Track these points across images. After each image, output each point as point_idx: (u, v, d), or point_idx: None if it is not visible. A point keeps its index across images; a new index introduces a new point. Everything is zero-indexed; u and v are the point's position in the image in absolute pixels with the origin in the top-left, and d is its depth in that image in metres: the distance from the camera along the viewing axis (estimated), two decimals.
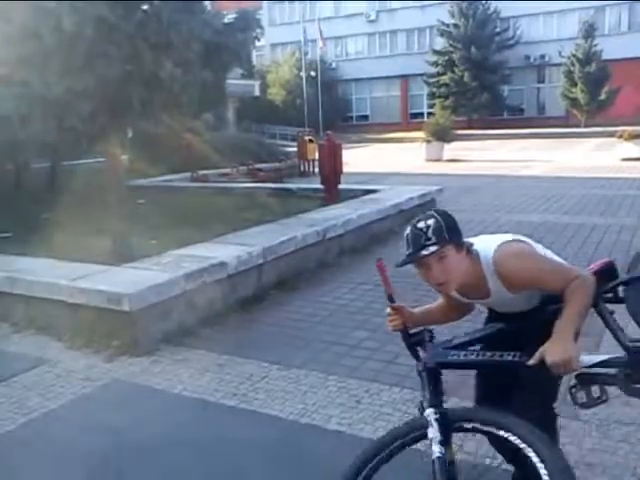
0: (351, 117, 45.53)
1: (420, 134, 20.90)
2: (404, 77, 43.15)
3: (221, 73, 6.36)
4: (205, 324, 4.67)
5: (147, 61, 5.37)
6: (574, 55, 33.32)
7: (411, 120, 40.56)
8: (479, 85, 36.22)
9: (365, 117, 45.41)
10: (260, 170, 13.62)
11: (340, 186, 9.25)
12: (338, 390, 3.56)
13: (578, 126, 32.78)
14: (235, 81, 25.51)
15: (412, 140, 25.85)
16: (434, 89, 38.97)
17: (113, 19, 5.26)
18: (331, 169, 9.15)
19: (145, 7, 6.22)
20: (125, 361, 4.12)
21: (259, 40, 7.86)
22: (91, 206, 7.35)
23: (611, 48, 33.03)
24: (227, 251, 5.27)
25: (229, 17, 6.94)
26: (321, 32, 37.78)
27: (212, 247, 5.50)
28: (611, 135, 18.72)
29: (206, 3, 7.20)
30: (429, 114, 35.80)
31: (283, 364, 3.94)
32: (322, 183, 9.32)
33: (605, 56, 32.44)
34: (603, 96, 32.14)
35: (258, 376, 3.80)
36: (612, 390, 2.00)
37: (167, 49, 5.46)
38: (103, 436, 3.18)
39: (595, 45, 32.73)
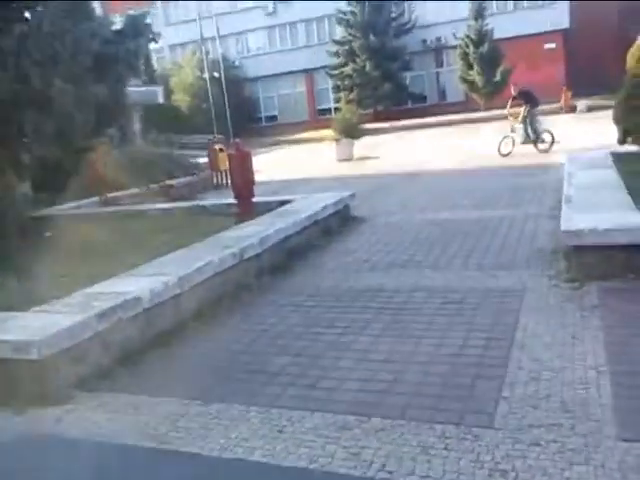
0: (260, 118, 44.72)
1: (329, 132, 21.01)
2: (308, 71, 42.68)
3: (117, 85, 6.11)
4: (122, 364, 4.52)
5: (34, 79, 5.09)
6: (467, 36, 33.88)
7: (319, 117, 40.39)
8: (381, 74, 36.44)
9: (274, 117, 44.66)
10: (172, 187, 13.34)
11: (254, 199, 9.11)
12: (260, 421, 3.55)
13: (478, 110, 33.44)
14: (136, 88, 24.60)
15: (321, 139, 26.00)
16: (338, 82, 38.93)
17: None
18: (243, 181, 8.87)
19: (27, 15, 5.93)
20: (37, 412, 3.93)
21: (156, 42, 7.56)
22: None
23: (501, 28, 33.87)
24: (141, 284, 5.12)
25: (117, 24, 6.69)
26: (218, 29, 36.68)
27: (125, 281, 5.33)
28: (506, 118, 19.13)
29: (95, 4, 6.89)
30: (336, 109, 35.98)
31: (203, 399, 3.88)
32: (235, 197, 9.12)
33: (496, 36, 33.19)
34: (498, 77, 32.68)
35: (178, 414, 3.73)
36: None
37: (54, 64, 5.19)
38: None
39: (486, 24, 33.39)
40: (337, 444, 3.21)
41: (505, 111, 16.55)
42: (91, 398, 4.08)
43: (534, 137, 15.38)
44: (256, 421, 3.55)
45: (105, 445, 3.47)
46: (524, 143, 15.37)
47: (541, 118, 16.00)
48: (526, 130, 15.43)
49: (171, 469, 3.18)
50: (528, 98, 15.84)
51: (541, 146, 15.32)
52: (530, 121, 15.46)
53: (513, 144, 15.25)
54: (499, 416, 3.31)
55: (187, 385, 4.15)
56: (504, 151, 15.21)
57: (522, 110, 15.63)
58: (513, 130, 15.49)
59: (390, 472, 2.92)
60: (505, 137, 15.41)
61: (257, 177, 9.15)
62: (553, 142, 15.12)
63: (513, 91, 16.25)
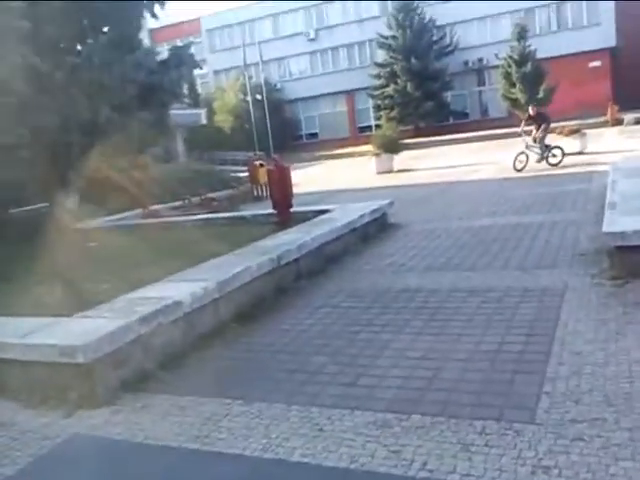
0: (301, 136, 45.94)
1: (369, 147, 21.17)
2: (349, 92, 43.81)
3: (160, 111, 6.34)
4: (164, 366, 4.61)
5: (83, 108, 5.33)
6: (510, 57, 34.29)
7: (360, 134, 41.04)
8: (422, 94, 36.94)
9: (315, 135, 45.81)
10: (213, 199, 13.57)
11: (292, 209, 9.28)
12: (300, 420, 3.57)
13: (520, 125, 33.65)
14: (181, 111, 25.51)
15: (362, 154, 26.20)
16: (379, 101, 39.60)
17: (45, 68, 5.21)
18: (281, 193, 9.16)
19: (79, 48, 6.19)
20: (84, 414, 4.04)
21: (201, 69, 7.87)
22: (40, 254, 7.22)
23: (544, 47, 34.18)
24: (181, 289, 5.23)
25: (162, 51, 6.94)
26: (261, 56, 38.12)
27: (166, 286, 5.45)
28: (554, 131, 19.29)
29: (143, 35, 7.18)
30: (377, 126, 36.30)
31: (245, 399, 3.92)
32: (274, 208, 9.34)
33: (539, 55, 33.48)
34: (541, 94, 33.05)
35: (220, 415, 3.78)
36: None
37: (102, 93, 5.43)
38: None
39: (529, 45, 33.71)
40: (377, 442, 3.20)
41: (519, 129, 16.60)
42: (135, 400, 4.17)
43: (547, 153, 15.62)
44: (296, 420, 3.57)
45: (149, 446, 3.54)
46: (539, 161, 15.61)
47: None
48: (541, 148, 15.71)
49: (214, 471, 3.20)
50: (543, 119, 16.09)
51: (552, 160, 15.48)
52: (541, 138, 15.76)
53: (527, 160, 15.42)
54: (541, 411, 3.26)
55: (228, 385, 4.20)
56: (518, 167, 15.40)
57: (539, 130, 15.83)
58: (528, 147, 15.69)
59: (431, 471, 2.89)
60: (520, 154, 15.60)
61: (298, 189, 9.32)
62: (564, 156, 15.36)
63: (531, 111, 16.44)
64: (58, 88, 5.34)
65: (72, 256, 6.28)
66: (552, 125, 16.71)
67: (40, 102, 5.18)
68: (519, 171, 15.28)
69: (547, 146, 15.81)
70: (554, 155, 15.53)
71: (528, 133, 16.12)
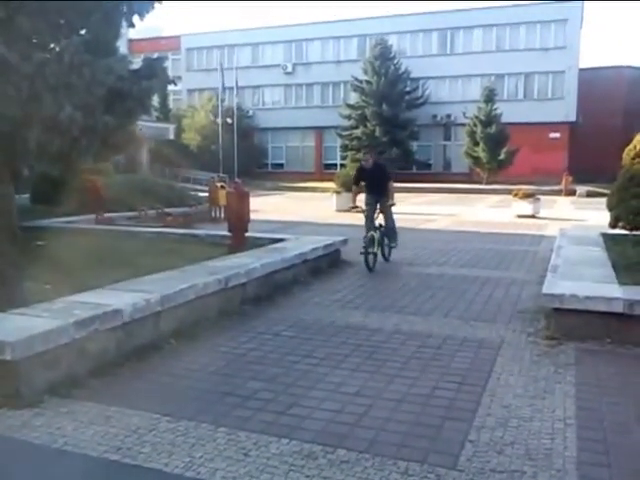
0: (267, 164, 46.18)
1: (332, 185, 21.43)
2: (319, 129, 44.46)
3: (125, 119, 6.31)
4: (96, 374, 4.51)
5: (46, 103, 5.26)
6: (476, 117, 35.65)
7: (324, 170, 41.61)
8: (390, 140, 37.73)
9: (280, 165, 46.16)
10: (169, 214, 13.45)
11: (247, 234, 9.29)
12: (227, 442, 3.53)
13: (480, 183, 34.97)
14: (149, 124, 25.42)
15: (324, 190, 26.50)
16: (347, 141, 40.21)
17: (13, 59, 5.14)
18: (238, 217, 9.17)
19: (51, 46, 6.13)
20: (4, 414, 3.90)
21: (175, 85, 7.89)
22: None
23: (509, 112, 35.67)
24: (123, 298, 5.15)
25: (137, 62, 6.94)
26: (237, 81, 38.48)
27: (108, 294, 5.36)
28: (510, 193, 20.01)
29: (120, 43, 7.18)
30: (342, 165, 36.87)
31: (173, 416, 3.87)
32: (229, 230, 9.33)
33: (504, 119, 34.88)
34: (503, 156, 34.43)
35: (145, 429, 3.71)
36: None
37: (67, 91, 5.38)
38: None
39: (495, 109, 35.16)
40: (300, 472, 3.20)
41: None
42: (60, 404, 4.06)
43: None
44: (223, 442, 3.54)
45: (67, 453, 3.43)
46: None
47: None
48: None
49: None
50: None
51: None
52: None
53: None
54: (463, 458, 3.32)
55: (159, 400, 4.13)
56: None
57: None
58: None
59: None
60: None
61: (256, 216, 9.35)
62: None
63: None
64: (24, 80, 5.25)
65: (17, 253, 6.11)
66: (510, 187, 16.76)
67: (4, 90, 5.10)
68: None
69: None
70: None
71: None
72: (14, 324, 4.39)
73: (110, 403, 4.07)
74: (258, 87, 46.54)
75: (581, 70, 38.80)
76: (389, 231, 9.66)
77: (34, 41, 6.01)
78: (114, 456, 3.39)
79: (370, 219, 9.46)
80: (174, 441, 3.55)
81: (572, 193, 30.18)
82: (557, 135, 38.42)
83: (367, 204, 9.56)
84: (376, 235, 9.16)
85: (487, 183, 34.61)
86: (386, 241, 9.63)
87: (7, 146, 5.69)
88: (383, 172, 9.52)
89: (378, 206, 9.52)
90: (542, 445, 3.46)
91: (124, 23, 6.37)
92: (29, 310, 4.76)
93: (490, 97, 35.46)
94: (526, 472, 3.18)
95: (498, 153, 34.45)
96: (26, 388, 4.11)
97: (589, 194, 29.03)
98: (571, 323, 5.47)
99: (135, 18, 6.33)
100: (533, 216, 17.73)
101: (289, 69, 45.38)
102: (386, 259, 9.61)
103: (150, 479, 3.18)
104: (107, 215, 12.25)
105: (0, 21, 5.30)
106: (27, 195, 11.40)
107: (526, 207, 18.05)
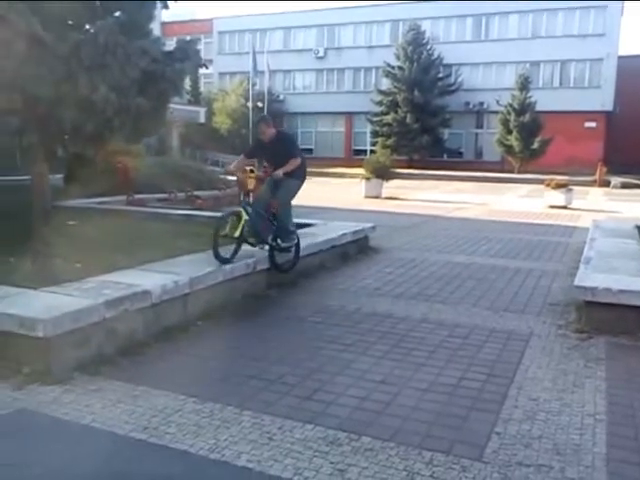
0: None
1: (361, 170, 21.29)
2: (349, 114, 44.22)
3: (158, 101, 6.35)
4: (125, 353, 4.57)
5: (81, 83, 5.31)
6: (510, 105, 35.01)
7: (354, 156, 41.29)
8: (420, 127, 37.36)
9: (310, 150, 45.87)
10: (198, 197, 13.50)
11: None
12: (251, 426, 3.55)
13: (512, 172, 34.40)
14: (180, 106, 25.50)
15: (353, 176, 26.33)
16: (377, 128, 39.96)
17: (49, 39, 5.19)
18: None
19: (87, 27, 6.18)
20: (35, 390, 3.98)
21: (207, 68, 7.90)
22: (15, 225, 7.13)
23: (544, 101, 34.94)
24: (153, 279, 5.20)
25: (170, 45, 6.97)
26: (269, 65, 38.38)
27: (138, 274, 5.41)
28: (542, 183, 19.67)
29: (154, 26, 7.22)
30: (371, 151, 36.61)
31: (199, 397, 3.90)
32: None
33: (538, 107, 34.20)
34: (536, 145, 33.81)
35: (172, 409, 3.74)
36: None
37: (102, 72, 5.42)
38: None
39: (530, 97, 34.47)
40: (324, 458, 3.19)
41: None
42: (89, 382, 4.12)
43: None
44: (248, 425, 3.55)
45: (95, 430, 3.48)
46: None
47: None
48: None
49: (156, 464, 3.16)
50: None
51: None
52: None
53: None
54: (489, 450, 3.28)
55: (185, 382, 4.16)
56: None
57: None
58: None
59: None
60: None
61: None
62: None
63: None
64: (59, 61, 5.31)
65: (47, 231, 6.19)
66: (542, 177, 16.55)
67: (39, 71, 5.16)
68: None
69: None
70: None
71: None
72: (46, 302, 4.46)
73: (138, 383, 4.12)
74: (289, 71, 46.40)
75: (619, 58, 37.79)
76: (280, 229, 6.80)
77: (69, 22, 6.06)
78: (141, 435, 3.43)
79: (249, 195, 6.78)
80: (199, 422, 3.58)
81: (606, 184, 29.53)
82: (593, 124, 37.58)
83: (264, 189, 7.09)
84: (244, 215, 6.38)
85: (519, 172, 34.03)
86: (279, 241, 6.76)
87: (42, 127, 5.77)
88: (285, 146, 6.94)
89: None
90: (571, 440, 3.40)
91: (158, 4, 6.39)
92: (60, 289, 4.82)
93: (524, 85, 34.78)
94: (554, 467, 3.13)
95: (531, 142, 33.87)
96: (57, 365, 4.19)
97: (624, 185, 28.45)
98: (603, 317, 5.36)
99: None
100: (565, 207, 17.41)
101: (321, 54, 45.15)
102: (276, 266, 6.71)
103: (176, 459, 3.21)
104: (138, 197, 12.36)
105: (36, 2, 5.35)
106: (61, 175, 11.51)
107: (558, 197, 17.72)
